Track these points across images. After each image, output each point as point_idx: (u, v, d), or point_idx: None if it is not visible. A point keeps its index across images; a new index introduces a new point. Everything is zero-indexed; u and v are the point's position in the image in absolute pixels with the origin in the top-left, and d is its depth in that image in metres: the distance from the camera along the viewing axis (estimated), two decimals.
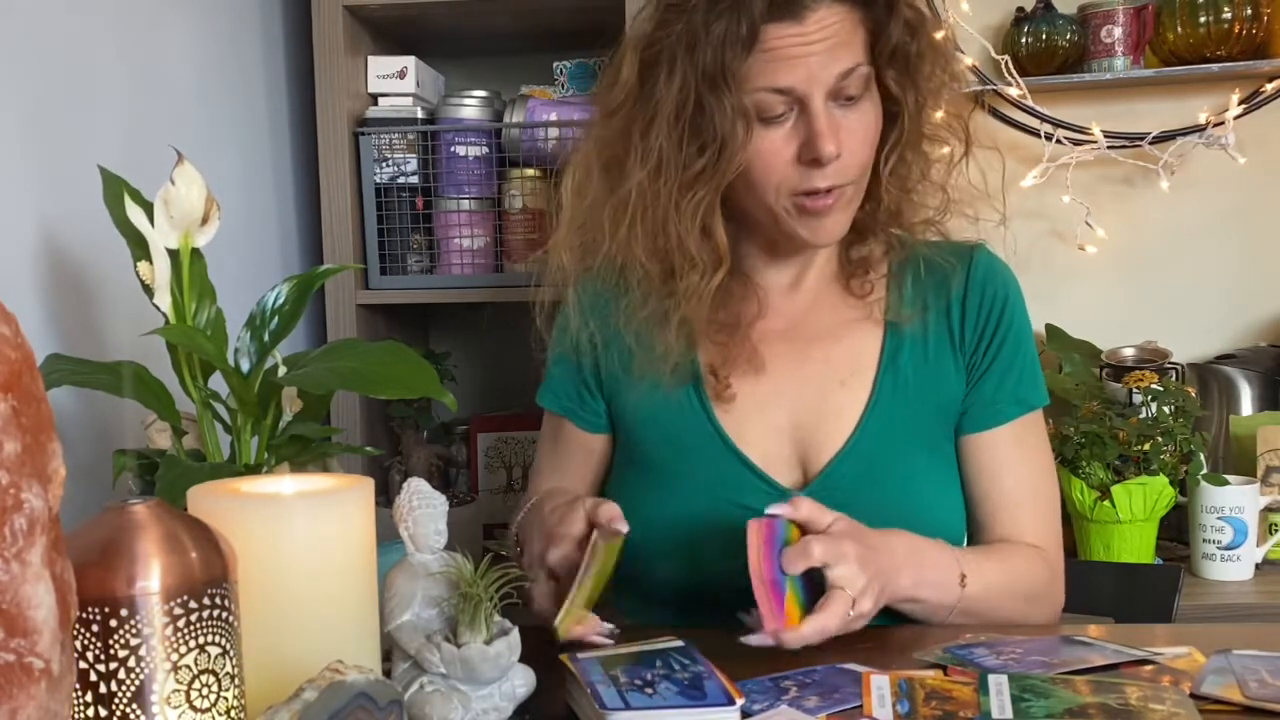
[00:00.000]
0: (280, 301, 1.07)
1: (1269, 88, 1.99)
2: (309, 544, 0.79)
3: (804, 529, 1.01)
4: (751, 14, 1.07)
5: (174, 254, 1.01)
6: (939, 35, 1.20)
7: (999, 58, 2.01)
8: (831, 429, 1.18)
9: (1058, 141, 2.04)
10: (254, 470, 1.00)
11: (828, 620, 0.96)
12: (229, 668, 0.69)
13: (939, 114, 1.20)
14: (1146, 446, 1.75)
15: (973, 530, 1.22)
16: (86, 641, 0.66)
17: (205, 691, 0.68)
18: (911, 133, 1.17)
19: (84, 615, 0.65)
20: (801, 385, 1.20)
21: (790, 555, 0.97)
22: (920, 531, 1.11)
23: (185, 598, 0.67)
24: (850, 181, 1.13)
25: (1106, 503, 1.75)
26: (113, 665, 0.66)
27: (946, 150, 1.21)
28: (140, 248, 1.01)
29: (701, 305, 1.17)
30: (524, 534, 1.18)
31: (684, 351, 1.19)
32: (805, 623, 0.95)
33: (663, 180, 1.13)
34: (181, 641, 0.67)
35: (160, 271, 1.00)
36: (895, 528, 1.08)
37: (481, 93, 1.95)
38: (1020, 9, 2.05)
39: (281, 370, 1.02)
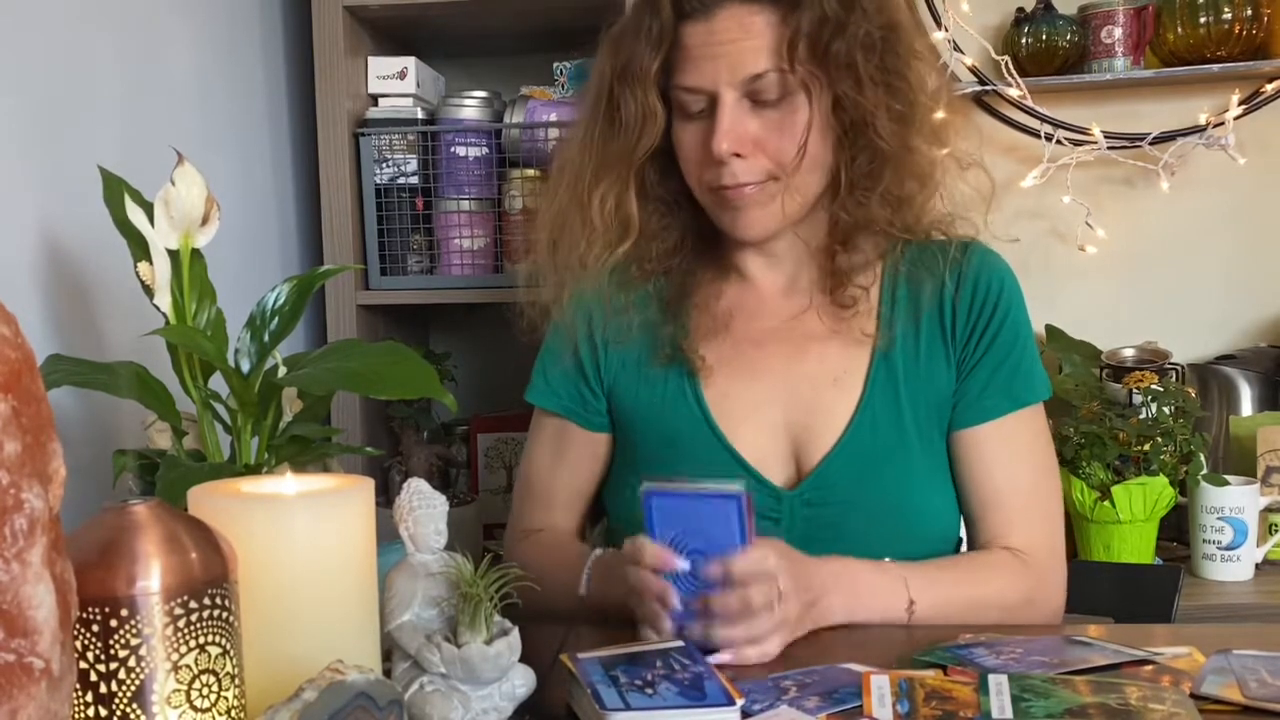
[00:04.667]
0: (280, 302, 1.07)
1: (1269, 88, 1.99)
2: (309, 544, 0.79)
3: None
4: (662, 14, 1.14)
5: (174, 254, 1.01)
6: (901, 30, 1.15)
7: (999, 58, 2.02)
8: (824, 427, 1.18)
9: (1058, 142, 2.04)
10: (254, 470, 1.00)
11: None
12: (229, 668, 0.69)
13: (939, 115, 1.20)
14: (1146, 447, 1.75)
15: (967, 529, 1.21)
16: (87, 641, 0.66)
17: (205, 691, 0.68)
18: (862, 134, 1.13)
19: (84, 615, 0.65)
20: (795, 383, 1.20)
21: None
22: (914, 527, 1.10)
23: (185, 598, 0.67)
24: (761, 180, 1.14)
25: (1106, 503, 1.75)
26: (113, 665, 0.66)
27: (946, 151, 1.21)
28: (140, 248, 1.01)
29: (598, 280, 1.23)
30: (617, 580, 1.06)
31: (677, 345, 1.21)
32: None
33: (586, 157, 1.22)
34: (182, 641, 0.67)
35: (160, 272, 1.00)
36: (888, 523, 1.08)
37: (481, 93, 1.95)
38: (1020, 9, 2.05)
39: (281, 370, 1.02)
